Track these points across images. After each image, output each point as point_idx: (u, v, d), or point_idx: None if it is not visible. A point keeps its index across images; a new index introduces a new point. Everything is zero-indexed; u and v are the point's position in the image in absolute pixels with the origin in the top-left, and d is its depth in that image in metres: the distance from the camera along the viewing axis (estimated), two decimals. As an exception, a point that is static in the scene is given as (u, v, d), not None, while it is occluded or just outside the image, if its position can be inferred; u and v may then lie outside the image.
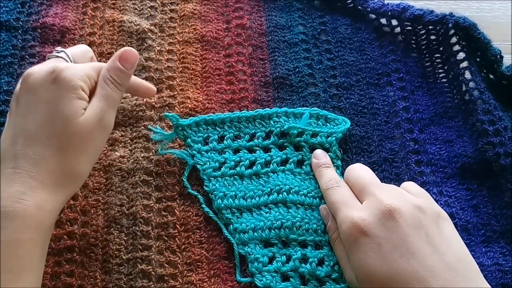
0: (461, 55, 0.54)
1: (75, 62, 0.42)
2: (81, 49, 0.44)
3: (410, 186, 0.45)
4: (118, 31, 0.58)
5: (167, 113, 0.49)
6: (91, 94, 0.41)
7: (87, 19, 0.59)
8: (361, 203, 0.43)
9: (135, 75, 0.55)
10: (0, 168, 0.37)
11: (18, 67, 0.55)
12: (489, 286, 0.38)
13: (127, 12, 0.59)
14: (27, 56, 0.55)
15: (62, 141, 0.37)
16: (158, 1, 0.60)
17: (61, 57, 0.42)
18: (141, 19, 0.59)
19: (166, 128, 0.51)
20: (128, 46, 0.57)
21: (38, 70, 0.39)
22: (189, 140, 0.49)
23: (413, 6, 0.56)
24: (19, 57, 0.55)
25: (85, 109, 0.39)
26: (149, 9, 0.59)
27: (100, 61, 0.56)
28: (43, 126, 0.37)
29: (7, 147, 0.37)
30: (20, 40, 0.56)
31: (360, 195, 0.44)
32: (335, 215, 0.44)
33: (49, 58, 0.42)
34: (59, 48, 0.43)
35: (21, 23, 0.57)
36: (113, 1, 0.60)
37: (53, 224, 0.38)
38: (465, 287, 0.37)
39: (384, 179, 0.47)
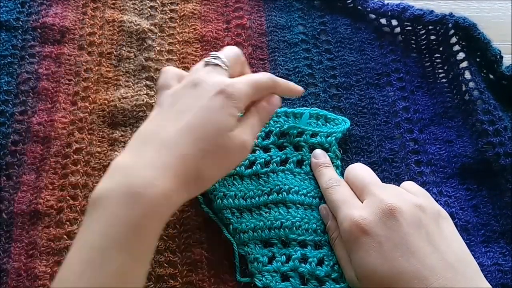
0: (461, 55, 0.54)
1: (229, 68, 0.43)
2: (234, 54, 0.45)
3: (410, 185, 0.45)
4: (118, 31, 0.58)
5: None
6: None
7: (87, 19, 0.59)
8: (361, 203, 0.43)
9: (134, 74, 0.55)
10: (140, 149, 0.37)
11: (18, 67, 0.55)
12: (489, 285, 0.38)
13: (127, 12, 0.59)
14: (27, 56, 0.55)
15: (208, 147, 0.38)
16: (158, 1, 0.60)
17: (219, 64, 0.43)
18: (141, 19, 0.59)
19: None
20: (128, 46, 0.57)
21: (205, 80, 0.41)
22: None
23: (413, 6, 0.56)
24: (19, 57, 0.55)
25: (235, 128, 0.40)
26: (149, 9, 0.59)
27: (100, 61, 0.56)
28: (196, 127, 0.38)
29: (156, 131, 0.38)
30: (20, 40, 0.56)
31: (360, 195, 0.44)
32: (335, 214, 0.44)
33: (207, 64, 0.43)
34: (214, 53, 0.44)
35: (21, 23, 0.58)
36: (113, 1, 0.60)
37: (169, 218, 0.38)
38: (465, 285, 0.37)
39: (384, 179, 0.47)
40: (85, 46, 0.57)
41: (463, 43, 0.54)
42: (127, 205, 0.34)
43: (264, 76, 0.44)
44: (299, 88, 0.47)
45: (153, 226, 0.35)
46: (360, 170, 0.46)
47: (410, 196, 0.42)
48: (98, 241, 0.33)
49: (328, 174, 0.47)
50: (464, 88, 0.52)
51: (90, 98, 0.53)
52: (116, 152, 0.50)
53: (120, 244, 0.33)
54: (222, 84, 0.40)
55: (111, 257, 0.33)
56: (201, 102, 0.39)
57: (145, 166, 0.36)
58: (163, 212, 0.36)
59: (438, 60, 0.56)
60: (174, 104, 0.40)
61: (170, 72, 0.44)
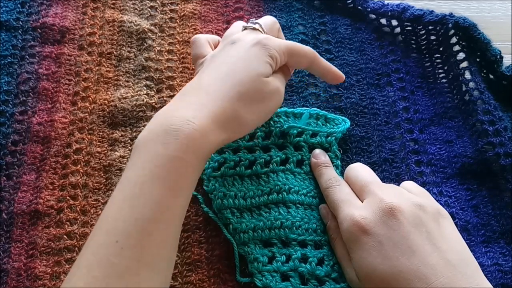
0: (461, 55, 0.54)
1: (266, 32, 0.46)
2: (270, 21, 0.48)
3: (410, 185, 0.45)
4: (118, 31, 0.58)
5: None
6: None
7: (87, 19, 0.59)
8: (362, 202, 0.43)
9: (134, 74, 0.55)
10: (180, 97, 0.40)
11: (18, 67, 0.55)
12: (489, 284, 0.38)
13: (127, 12, 0.59)
14: (27, 56, 0.55)
15: (245, 90, 0.40)
16: (158, 1, 0.60)
17: (257, 28, 0.46)
18: (141, 19, 0.59)
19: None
20: (128, 46, 0.57)
21: (243, 37, 0.44)
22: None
23: (413, 6, 0.56)
24: (19, 57, 0.55)
25: (270, 74, 0.42)
26: (149, 9, 0.59)
27: (100, 61, 0.56)
28: (234, 73, 0.41)
29: (194, 83, 0.41)
30: (20, 40, 0.56)
31: (360, 194, 0.44)
32: (335, 213, 0.44)
33: (245, 28, 0.46)
34: (253, 20, 0.47)
35: (21, 23, 0.58)
36: (113, 1, 0.60)
37: (209, 157, 0.39)
38: (465, 284, 0.37)
39: (384, 179, 0.47)
40: (85, 46, 0.57)
41: (463, 43, 0.54)
42: (166, 141, 0.35)
43: (306, 46, 0.46)
44: (339, 73, 0.48)
45: (190, 160, 0.36)
46: (360, 170, 0.46)
47: (410, 196, 0.42)
48: (138, 176, 0.35)
49: (328, 174, 0.47)
50: (464, 88, 0.52)
51: (90, 98, 0.53)
52: (116, 152, 0.50)
53: (158, 176, 0.35)
54: (259, 37, 0.43)
55: (149, 189, 0.34)
56: (239, 54, 0.42)
57: (184, 108, 0.38)
58: (199, 147, 0.37)
59: (438, 60, 0.56)
60: (214, 61, 0.43)
61: (201, 40, 0.47)
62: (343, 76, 0.48)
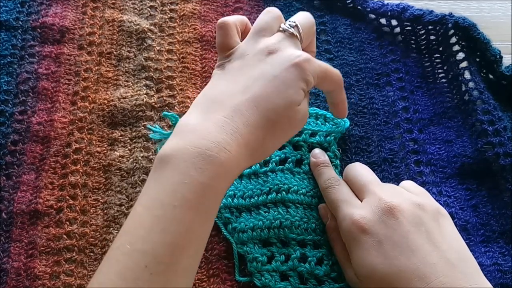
0: (461, 55, 0.54)
1: (302, 38, 0.43)
2: (309, 22, 0.44)
3: (409, 184, 0.45)
4: (117, 30, 0.58)
5: (166, 113, 0.48)
6: None
7: (87, 19, 0.59)
8: (361, 202, 0.43)
9: (134, 74, 0.55)
10: (208, 111, 0.37)
11: (18, 67, 0.55)
12: (489, 283, 0.38)
13: (126, 12, 0.59)
14: (26, 56, 0.55)
15: (277, 118, 0.38)
16: (157, 1, 0.60)
17: (295, 35, 0.42)
18: (141, 19, 0.59)
19: (165, 128, 0.51)
20: (128, 45, 0.57)
21: (281, 49, 0.40)
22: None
23: (412, 6, 0.56)
24: (18, 56, 0.55)
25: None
26: (148, 9, 0.59)
27: (99, 61, 0.56)
28: (268, 97, 0.38)
29: (224, 96, 0.38)
30: (19, 40, 0.56)
31: (359, 194, 0.44)
32: (334, 213, 0.44)
33: (283, 30, 0.42)
34: (292, 21, 0.43)
35: (20, 22, 0.58)
36: (113, 1, 0.60)
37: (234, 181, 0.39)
38: (465, 283, 0.37)
39: (383, 179, 0.47)
40: (85, 46, 0.57)
41: (463, 43, 0.54)
42: (200, 166, 0.34)
43: (338, 72, 0.44)
44: (346, 108, 0.48)
45: (221, 187, 0.36)
46: (359, 170, 0.46)
47: (410, 195, 0.42)
48: (169, 198, 0.33)
49: (327, 174, 0.47)
50: (463, 88, 0.52)
51: (89, 98, 0.53)
52: (115, 152, 0.50)
53: (191, 204, 0.33)
54: (301, 57, 0.40)
55: (181, 214, 0.33)
56: (275, 71, 0.39)
57: (217, 131, 0.36)
58: (231, 175, 0.36)
59: (437, 60, 0.56)
60: (244, 69, 0.40)
61: (230, 26, 0.43)
62: (345, 115, 0.48)
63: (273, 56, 0.40)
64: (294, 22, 0.42)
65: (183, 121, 0.37)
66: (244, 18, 0.45)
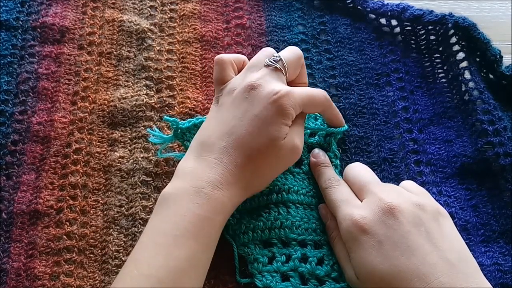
0: (461, 55, 0.54)
1: (288, 72, 0.45)
2: (295, 56, 0.46)
3: (409, 184, 0.45)
4: (117, 30, 0.58)
5: (167, 117, 0.48)
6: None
7: (87, 19, 0.59)
8: (361, 202, 0.43)
9: (134, 74, 0.55)
10: (201, 154, 0.41)
11: (18, 67, 0.55)
12: (489, 284, 0.38)
13: (126, 11, 0.59)
14: (26, 56, 0.55)
15: (261, 156, 0.41)
16: (158, 0, 0.60)
17: (279, 68, 0.44)
18: (141, 19, 0.59)
19: (165, 129, 0.51)
20: (128, 45, 0.57)
21: (263, 85, 0.42)
22: (188, 143, 0.48)
23: (412, 6, 0.56)
24: (18, 56, 0.55)
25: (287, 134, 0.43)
26: (148, 9, 0.59)
27: (99, 61, 0.56)
28: (251, 137, 0.41)
29: (213, 139, 0.42)
30: (19, 40, 0.56)
31: (359, 194, 0.44)
32: (334, 213, 0.44)
33: (267, 65, 0.44)
34: (277, 55, 0.45)
35: (20, 22, 0.58)
36: (113, 1, 0.60)
37: (231, 214, 0.42)
38: (465, 283, 0.37)
39: (383, 179, 0.47)
40: (85, 45, 0.57)
41: (463, 43, 0.54)
42: (198, 202, 0.38)
43: (321, 93, 0.46)
44: (343, 121, 0.49)
45: (218, 220, 0.40)
46: (359, 170, 0.46)
47: (410, 195, 0.42)
48: (171, 229, 0.37)
49: (327, 174, 0.47)
50: (463, 88, 0.52)
51: (90, 98, 0.53)
52: (115, 152, 0.50)
53: (190, 232, 0.37)
54: (279, 93, 0.42)
55: (183, 243, 0.37)
56: (255, 110, 0.42)
57: (209, 171, 0.40)
58: (226, 209, 0.40)
59: (437, 60, 0.56)
60: (231, 107, 0.43)
61: (225, 63, 0.46)
62: (344, 122, 0.50)
63: (254, 92, 0.42)
64: (279, 56, 0.45)
65: (181, 166, 0.41)
66: (241, 56, 0.48)
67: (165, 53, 0.56)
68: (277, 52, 0.46)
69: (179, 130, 0.48)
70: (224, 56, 0.47)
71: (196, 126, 0.48)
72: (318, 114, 0.51)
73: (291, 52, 0.46)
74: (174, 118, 0.48)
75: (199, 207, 0.38)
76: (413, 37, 0.57)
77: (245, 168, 0.41)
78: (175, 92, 0.54)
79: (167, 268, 0.36)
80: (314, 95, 0.45)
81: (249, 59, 0.55)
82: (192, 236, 0.37)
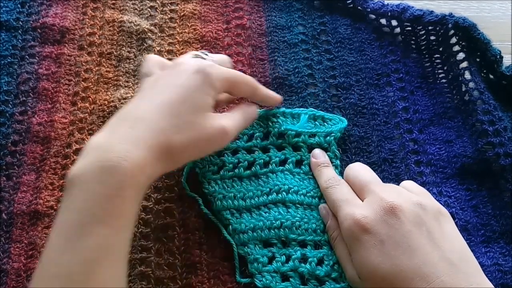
0: (461, 56, 0.54)
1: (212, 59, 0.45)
2: (223, 59, 0.47)
3: (409, 184, 0.45)
4: (118, 31, 0.58)
5: None
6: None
7: (87, 19, 0.59)
8: (362, 201, 0.43)
9: (134, 75, 0.55)
10: (114, 127, 0.38)
11: (18, 67, 0.55)
12: (490, 283, 0.38)
13: (127, 12, 0.59)
14: (27, 56, 0.55)
15: (182, 123, 0.39)
16: (158, 1, 0.60)
17: (204, 58, 0.45)
18: (141, 19, 0.59)
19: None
20: (128, 46, 0.57)
21: (186, 61, 0.43)
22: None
23: (413, 7, 0.56)
24: (19, 57, 0.55)
25: (213, 108, 0.42)
26: (149, 9, 0.59)
27: (100, 61, 0.56)
28: (170, 103, 0.39)
29: (131, 110, 0.40)
30: (20, 40, 0.56)
31: (360, 193, 0.44)
32: (335, 213, 0.44)
33: (194, 56, 0.45)
34: (206, 52, 0.46)
35: (21, 23, 0.58)
36: (113, 1, 0.60)
37: (147, 189, 0.40)
38: (466, 283, 0.37)
39: (383, 180, 0.47)
40: (85, 46, 0.57)
41: (463, 43, 0.54)
42: (102, 180, 0.34)
43: (246, 76, 0.46)
44: (278, 96, 0.49)
45: (130, 196, 0.36)
46: (359, 170, 0.46)
47: (411, 195, 0.42)
48: (76, 218, 0.34)
49: (327, 174, 0.47)
50: (464, 88, 0.52)
51: (90, 99, 0.53)
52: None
53: (98, 217, 0.34)
54: (202, 64, 0.42)
55: (90, 231, 0.33)
56: (179, 80, 0.41)
57: (119, 141, 0.36)
58: (138, 182, 0.36)
59: (438, 61, 0.56)
60: (154, 86, 0.41)
61: (152, 60, 0.45)
62: (280, 97, 0.49)
63: (178, 68, 0.42)
64: (205, 52, 0.46)
65: (90, 141, 0.37)
66: (167, 62, 0.46)
67: (165, 53, 0.56)
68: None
69: None
70: (154, 55, 0.47)
71: None
72: (317, 115, 0.51)
73: (220, 55, 0.48)
74: None
75: (105, 186, 0.34)
76: (413, 38, 0.57)
77: (162, 135, 0.38)
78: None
79: (76, 263, 0.33)
80: (240, 74, 0.45)
81: (249, 59, 0.55)
82: (99, 221, 0.34)
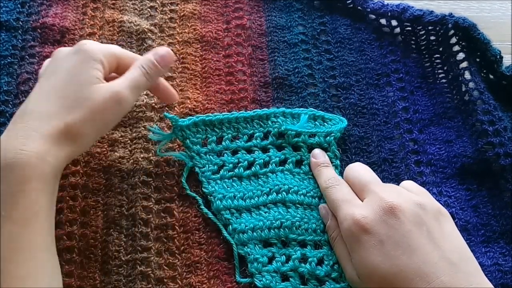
0: (461, 56, 0.54)
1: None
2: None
3: (409, 184, 0.45)
4: (118, 31, 0.58)
5: (167, 114, 0.49)
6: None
7: (87, 19, 0.59)
8: (362, 201, 0.43)
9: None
10: (11, 125, 0.38)
11: (18, 67, 0.55)
12: (490, 283, 0.38)
13: (127, 12, 0.59)
14: (27, 56, 0.55)
15: (71, 102, 0.39)
16: (158, 1, 0.60)
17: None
18: (141, 19, 0.59)
19: (165, 129, 0.51)
20: (128, 46, 0.57)
21: (63, 49, 0.44)
22: (187, 141, 0.49)
23: (413, 7, 0.56)
24: (19, 57, 0.55)
25: (102, 80, 0.41)
26: (149, 9, 0.59)
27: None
28: (57, 88, 0.40)
29: (24, 104, 0.40)
30: (20, 40, 0.56)
31: (360, 194, 0.44)
32: (335, 213, 0.44)
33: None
34: None
35: (21, 23, 0.57)
36: (113, 1, 0.60)
37: (58, 177, 0.39)
38: (466, 283, 0.37)
39: (383, 180, 0.47)
40: (85, 46, 0.57)
41: (463, 44, 0.54)
42: (4, 178, 0.35)
43: (135, 54, 0.46)
44: (174, 95, 0.49)
45: (34, 188, 0.36)
46: (359, 170, 0.46)
47: (411, 195, 0.42)
48: None
49: (327, 174, 0.47)
50: (464, 89, 0.52)
51: (90, 99, 0.53)
52: (116, 153, 0.50)
53: (5, 215, 0.34)
54: (79, 43, 0.43)
55: None
56: (61, 65, 0.42)
57: (15, 137, 0.37)
58: (42, 173, 0.36)
59: (438, 61, 0.56)
60: (43, 76, 0.42)
61: (54, 53, 0.45)
62: (176, 96, 0.49)
63: (57, 56, 0.43)
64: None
65: None
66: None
67: (165, 53, 0.56)
68: None
69: (179, 128, 0.48)
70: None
71: (196, 124, 0.49)
72: (316, 115, 0.51)
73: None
74: (173, 115, 0.48)
75: (7, 184, 0.35)
76: (413, 38, 0.57)
77: (55, 120, 0.38)
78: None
79: None
80: (124, 50, 0.45)
81: (249, 59, 0.55)
82: (4, 219, 0.34)
